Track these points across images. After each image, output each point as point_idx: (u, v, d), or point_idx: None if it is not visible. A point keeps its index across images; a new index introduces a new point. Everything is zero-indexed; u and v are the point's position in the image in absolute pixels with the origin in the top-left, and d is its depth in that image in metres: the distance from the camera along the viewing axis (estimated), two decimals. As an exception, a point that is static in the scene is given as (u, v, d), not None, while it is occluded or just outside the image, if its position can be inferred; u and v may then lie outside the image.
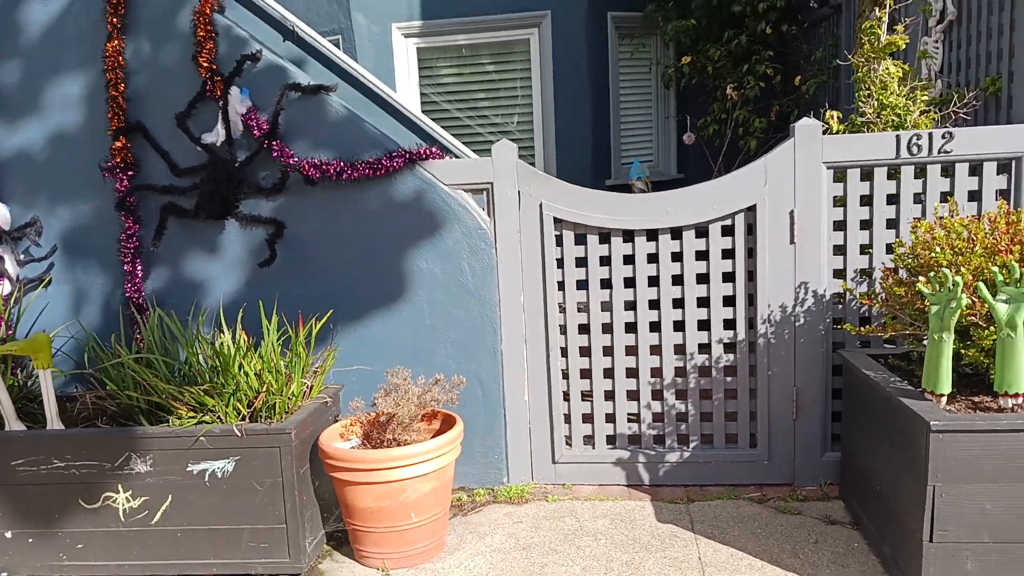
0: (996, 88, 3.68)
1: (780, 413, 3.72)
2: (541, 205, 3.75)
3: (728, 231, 3.69)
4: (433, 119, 7.50)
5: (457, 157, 5.39)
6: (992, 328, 2.65)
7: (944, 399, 2.69)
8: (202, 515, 3.11)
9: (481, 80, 7.49)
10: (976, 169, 3.49)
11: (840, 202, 3.62)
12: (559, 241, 3.81)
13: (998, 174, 3.48)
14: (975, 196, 3.52)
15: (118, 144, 3.83)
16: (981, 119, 3.86)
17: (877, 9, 3.71)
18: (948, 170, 3.52)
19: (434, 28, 7.34)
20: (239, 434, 3.04)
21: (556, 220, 3.77)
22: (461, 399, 3.77)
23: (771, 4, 6.53)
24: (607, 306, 3.82)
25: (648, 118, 7.81)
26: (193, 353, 3.30)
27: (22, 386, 3.56)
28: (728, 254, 3.71)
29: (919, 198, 3.56)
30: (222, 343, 3.31)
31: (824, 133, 3.84)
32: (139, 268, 3.89)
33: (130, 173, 3.86)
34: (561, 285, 3.83)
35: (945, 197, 3.52)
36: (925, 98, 3.68)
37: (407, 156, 3.72)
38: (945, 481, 2.54)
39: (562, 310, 3.84)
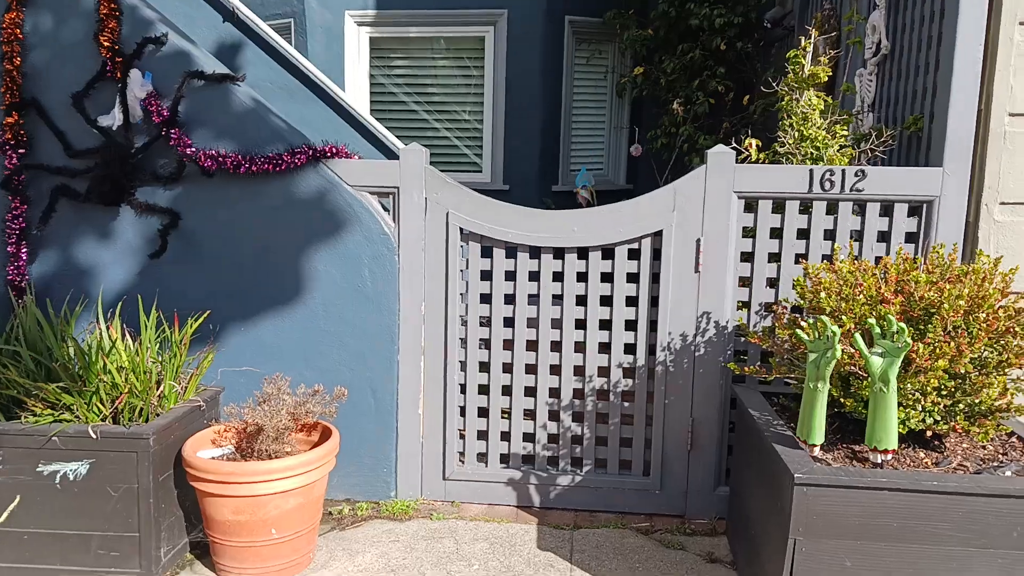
0: (918, 127, 3.61)
1: (675, 443, 3.64)
2: (448, 214, 3.63)
3: (635, 254, 3.59)
4: (385, 109, 7.37)
5: (387, 150, 5.28)
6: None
7: (817, 449, 2.61)
8: (51, 518, 2.96)
9: (434, 74, 7.35)
10: (887, 210, 3.43)
11: (749, 233, 3.54)
12: (464, 252, 3.69)
13: (908, 216, 3.42)
14: (885, 237, 3.45)
15: (9, 120, 3.65)
16: (902, 158, 3.79)
17: (803, 38, 3.62)
18: (860, 208, 3.45)
19: (389, 18, 7.18)
20: (94, 436, 2.90)
21: (462, 231, 3.65)
22: (352, 408, 3.66)
23: (728, 21, 6.46)
24: (510, 322, 3.71)
25: (600, 126, 7.71)
26: (63, 347, 3.15)
27: None
28: (633, 278, 3.62)
29: (830, 234, 3.49)
30: (93, 338, 3.16)
31: (744, 161, 3.77)
32: (23, 251, 3.71)
33: (21, 151, 3.68)
34: (464, 297, 3.72)
35: (856, 236, 3.46)
36: (845, 132, 3.60)
37: (310, 153, 3.58)
38: (807, 536, 2.46)
39: (464, 323, 3.73)
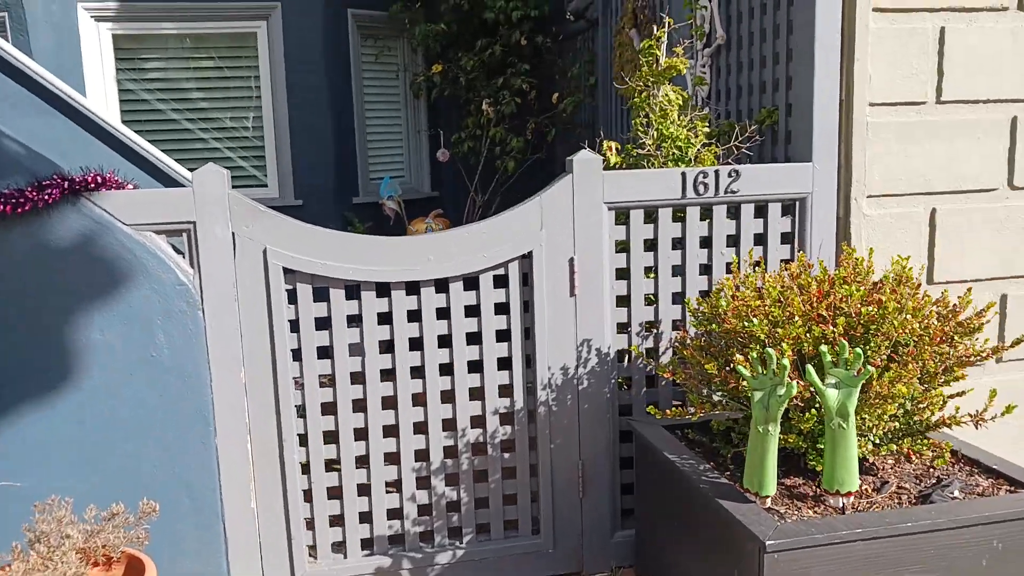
0: (772, 120, 3.43)
1: (565, 491, 3.18)
2: (265, 251, 2.86)
3: (501, 282, 3.07)
4: (140, 120, 6.21)
5: (162, 176, 4.30)
6: (813, 411, 2.27)
7: (768, 500, 2.26)
8: None
9: (199, 77, 6.32)
10: (761, 210, 3.19)
11: (622, 247, 3.16)
12: (292, 297, 2.95)
13: (782, 216, 3.21)
14: (761, 240, 3.22)
15: None
16: (755, 154, 3.61)
17: (655, 27, 3.30)
18: (734, 211, 3.18)
19: (135, 12, 6.04)
20: None
21: (287, 271, 2.90)
22: (164, 514, 2.77)
23: (525, 13, 6.11)
24: (358, 378, 3.03)
25: (398, 130, 7.08)
26: None
27: None
28: (502, 308, 3.09)
29: (706, 242, 3.19)
30: None
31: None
32: None
33: None
34: (297, 354, 2.97)
35: (732, 241, 3.20)
36: (706, 130, 3.32)
37: (66, 185, 2.65)
38: (779, 606, 2.10)
39: (299, 386, 2.99)
